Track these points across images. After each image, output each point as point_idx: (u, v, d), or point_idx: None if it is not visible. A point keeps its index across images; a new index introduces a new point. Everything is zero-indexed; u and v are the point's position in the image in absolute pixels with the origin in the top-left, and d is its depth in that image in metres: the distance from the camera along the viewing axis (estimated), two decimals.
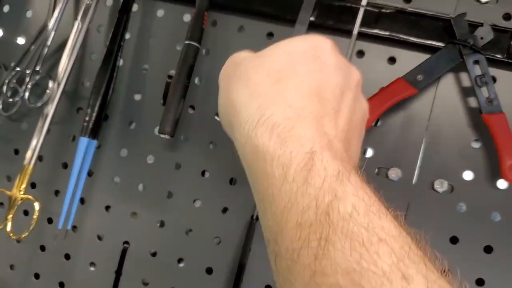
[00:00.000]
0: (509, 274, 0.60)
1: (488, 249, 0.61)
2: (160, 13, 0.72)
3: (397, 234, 0.26)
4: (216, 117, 0.68)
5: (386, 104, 0.59)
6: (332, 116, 0.33)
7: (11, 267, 0.75)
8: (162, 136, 0.64)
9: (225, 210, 0.68)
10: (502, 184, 0.61)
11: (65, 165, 0.74)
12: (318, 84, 0.34)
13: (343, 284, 0.24)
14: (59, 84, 0.68)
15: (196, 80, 0.69)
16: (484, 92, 0.59)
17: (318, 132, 0.31)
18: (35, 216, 0.65)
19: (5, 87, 0.71)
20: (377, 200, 0.28)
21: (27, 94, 0.69)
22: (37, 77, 0.70)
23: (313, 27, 0.65)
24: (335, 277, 0.24)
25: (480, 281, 0.61)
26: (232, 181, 0.68)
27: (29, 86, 0.69)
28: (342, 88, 0.36)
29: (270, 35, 0.68)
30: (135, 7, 0.72)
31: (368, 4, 0.63)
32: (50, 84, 0.68)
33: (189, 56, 0.65)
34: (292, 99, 0.33)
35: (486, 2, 0.63)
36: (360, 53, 0.65)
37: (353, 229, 0.25)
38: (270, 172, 0.30)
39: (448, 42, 0.61)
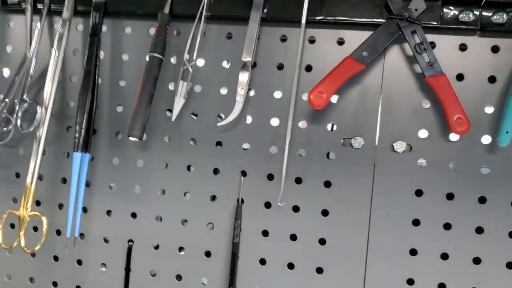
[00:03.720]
0: (471, 217, 0.68)
1: (450, 196, 0.68)
2: (127, 30, 0.78)
3: None
4: (192, 116, 0.75)
5: (339, 82, 0.66)
6: None
7: (31, 280, 0.82)
8: (132, 139, 0.71)
9: (213, 198, 0.75)
10: (454, 137, 0.68)
11: (64, 180, 0.80)
12: None
13: None
14: (46, 108, 0.74)
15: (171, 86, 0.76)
16: (425, 57, 0.66)
17: None
18: (44, 230, 0.72)
19: None
20: None
21: (19, 122, 0.76)
22: (25, 104, 0.76)
23: (265, 22, 0.72)
24: None
25: (447, 226, 0.68)
26: (216, 172, 0.75)
27: (19, 115, 0.76)
28: None
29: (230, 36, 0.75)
30: (104, 28, 0.78)
31: None
32: (38, 109, 0.75)
33: (154, 67, 0.72)
34: None
35: None
36: (312, 40, 0.72)
37: None
38: None
39: (387, 18, 0.67)
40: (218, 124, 0.72)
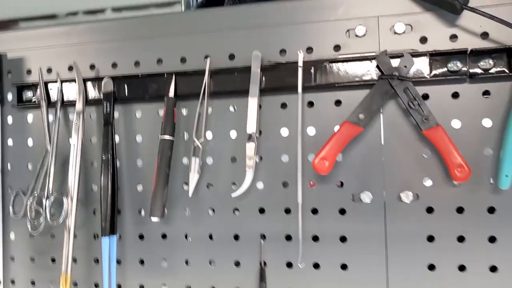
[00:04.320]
0: (483, 257, 0.70)
1: (461, 239, 0.71)
2: (138, 113, 0.83)
3: None
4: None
5: (340, 147, 0.69)
6: None
7: None
8: (154, 219, 0.76)
9: (237, 263, 0.79)
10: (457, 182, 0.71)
11: (96, 260, 0.85)
12: None
13: None
14: (72, 199, 0.80)
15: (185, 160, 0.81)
16: (419, 112, 0.69)
17: None
18: None
19: (28, 211, 0.83)
20: None
21: (48, 215, 0.81)
22: (52, 197, 0.81)
23: (264, 93, 0.76)
24: None
25: (462, 267, 0.71)
26: (236, 238, 0.79)
27: (47, 208, 0.81)
28: None
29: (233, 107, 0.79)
30: (116, 114, 0.83)
31: (304, 63, 0.74)
32: (65, 200, 0.80)
33: (166, 149, 0.77)
34: None
35: (403, 32, 0.73)
36: (310, 104, 0.76)
37: None
38: None
39: (378, 78, 0.71)
40: (233, 195, 0.76)
